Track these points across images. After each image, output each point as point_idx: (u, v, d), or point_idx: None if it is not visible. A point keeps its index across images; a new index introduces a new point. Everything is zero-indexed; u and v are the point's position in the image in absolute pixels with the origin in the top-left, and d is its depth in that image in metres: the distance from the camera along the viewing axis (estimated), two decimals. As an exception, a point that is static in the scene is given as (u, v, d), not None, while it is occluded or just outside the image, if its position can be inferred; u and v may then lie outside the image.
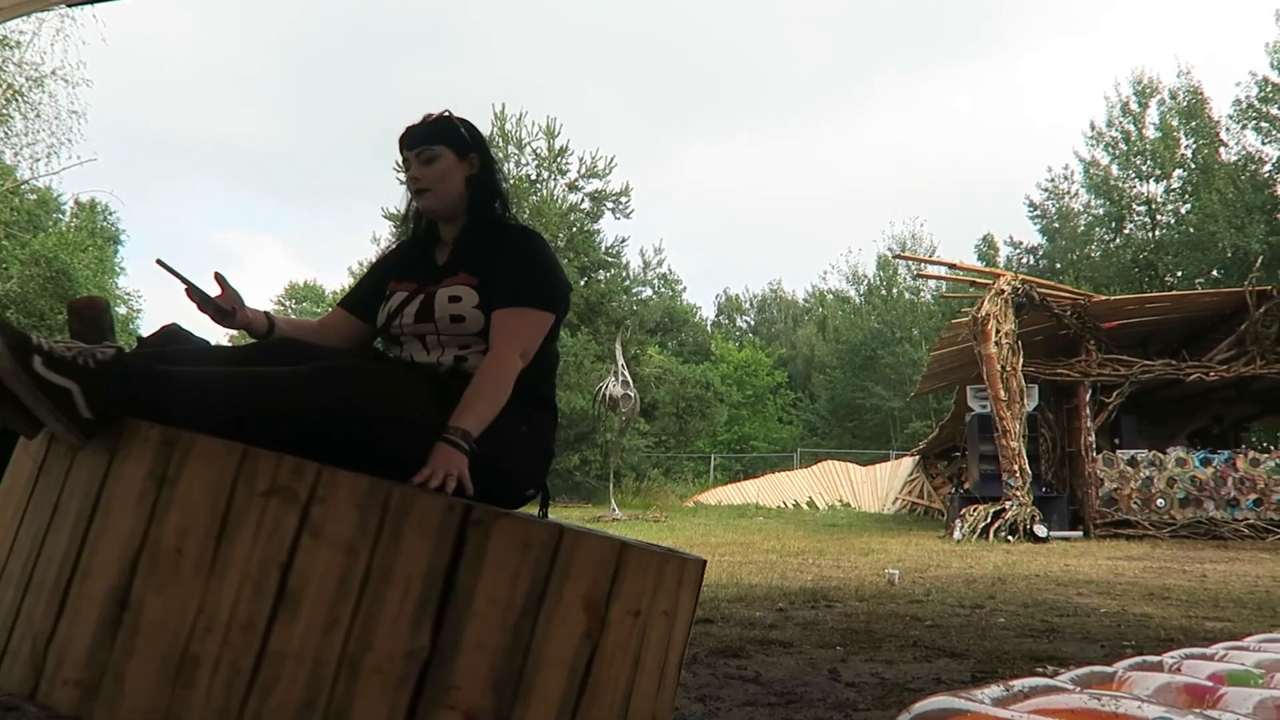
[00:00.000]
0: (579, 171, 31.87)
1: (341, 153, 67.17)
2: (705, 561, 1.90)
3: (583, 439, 24.79)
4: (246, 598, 1.29)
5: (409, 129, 2.00)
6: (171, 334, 1.77)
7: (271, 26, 65.89)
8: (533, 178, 31.43)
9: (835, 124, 72.04)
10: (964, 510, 11.25)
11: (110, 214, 31.78)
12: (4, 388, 1.33)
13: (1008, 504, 10.96)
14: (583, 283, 30.84)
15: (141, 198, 71.85)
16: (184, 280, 1.79)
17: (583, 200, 32.17)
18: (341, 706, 1.29)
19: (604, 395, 18.84)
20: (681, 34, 64.99)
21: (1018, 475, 11.17)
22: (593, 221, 32.30)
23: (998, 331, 11.38)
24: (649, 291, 36.79)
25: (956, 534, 10.82)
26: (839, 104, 72.10)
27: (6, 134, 17.84)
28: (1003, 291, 11.55)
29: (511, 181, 30.59)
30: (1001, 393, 11.36)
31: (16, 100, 17.36)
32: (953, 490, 14.86)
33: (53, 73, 16.94)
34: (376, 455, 1.52)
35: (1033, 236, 33.86)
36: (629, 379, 19.05)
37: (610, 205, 32.32)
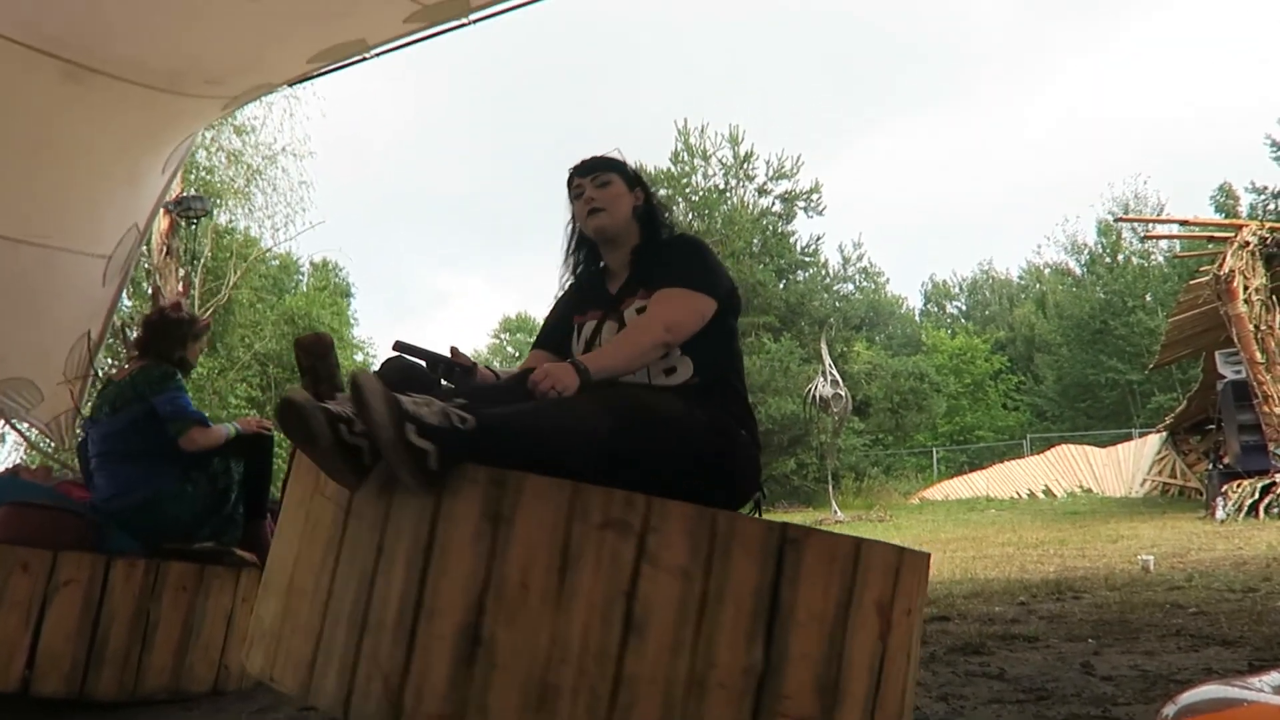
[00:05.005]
0: (766, 174, 31.68)
1: (530, 190, 70.02)
2: (929, 555, 1.86)
3: (796, 442, 24.52)
4: (596, 627, 1.37)
5: (579, 162, 2.15)
6: (398, 366, 1.87)
7: (446, 83, 69.78)
8: (721, 187, 31.52)
9: (1026, 91, 67.88)
10: (1226, 487, 10.29)
11: (340, 270, 34.60)
12: (378, 452, 1.41)
13: (1278, 477, 9.93)
14: (781, 285, 30.54)
15: (359, 253, 77.70)
16: (425, 354, 1.91)
17: (773, 203, 31.96)
18: None
19: (814, 396, 18.58)
20: (853, 16, 63.36)
21: (1287, 444, 10.07)
22: (786, 223, 32.01)
23: (1246, 288, 10.36)
24: (850, 287, 36.05)
25: (1219, 513, 9.89)
26: (1028, 70, 67.95)
27: (250, 210, 19.87)
28: (1247, 243, 10.50)
29: (700, 194, 30.87)
30: (1258, 355, 10.32)
31: (256, 178, 19.33)
32: (1210, 466, 13.60)
33: (284, 150, 18.74)
34: (656, 464, 1.66)
35: (1278, 179, 30.42)
36: (838, 378, 18.71)
37: (802, 205, 31.94)
